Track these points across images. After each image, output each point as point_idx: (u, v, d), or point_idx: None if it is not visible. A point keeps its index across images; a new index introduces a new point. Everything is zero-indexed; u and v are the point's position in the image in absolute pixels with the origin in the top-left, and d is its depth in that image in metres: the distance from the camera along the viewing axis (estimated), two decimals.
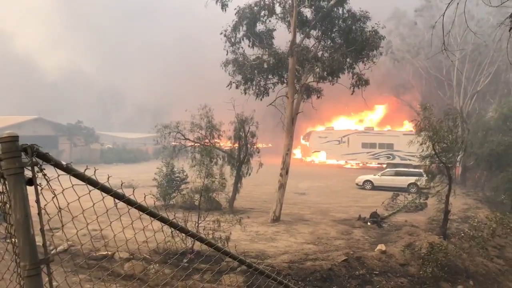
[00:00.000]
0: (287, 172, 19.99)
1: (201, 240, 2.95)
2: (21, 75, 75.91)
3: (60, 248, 11.40)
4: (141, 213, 2.47)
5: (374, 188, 32.81)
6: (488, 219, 15.18)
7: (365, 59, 19.33)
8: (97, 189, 2.25)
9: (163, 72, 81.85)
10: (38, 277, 1.91)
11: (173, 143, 22.95)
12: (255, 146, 22.64)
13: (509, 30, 4.53)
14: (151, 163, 39.26)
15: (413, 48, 47.06)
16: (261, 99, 20.07)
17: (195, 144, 22.23)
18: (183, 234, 3.53)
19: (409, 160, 45.49)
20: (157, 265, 10.80)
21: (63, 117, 59.76)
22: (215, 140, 22.39)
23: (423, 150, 17.26)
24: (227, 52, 20.26)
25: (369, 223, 19.15)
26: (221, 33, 20.08)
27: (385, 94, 54.64)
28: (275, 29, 20.79)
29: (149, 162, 53.29)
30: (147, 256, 11.18)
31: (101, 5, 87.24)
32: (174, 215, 2.91)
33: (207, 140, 21.84)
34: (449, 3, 4.99)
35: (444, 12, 4.85)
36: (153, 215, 2.47)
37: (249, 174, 22.43)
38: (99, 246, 9.87)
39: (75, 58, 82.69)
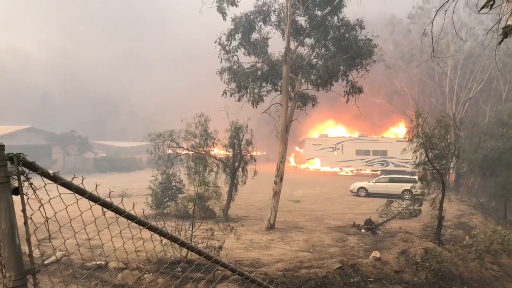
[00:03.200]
0: (281, 180, 19.97)
1: (192, 248, 2.93)
2: (12, 83, 75.50)
3: (52, 258, 11.30)
4: (129, 222, 2.45)
5: (369, 195, 32.85)
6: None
7: (359, 67, 19.45)
8: (85, 197, 2.23)
9: (156, 81, 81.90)
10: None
11: (168, 152, 22.91)
12: (249, 154, 22.61)
13: (499, 43, 4.56)
14: (145, 172, 39.15)
15: (405, 55, 47.46)
16: (256, 107, 20.10)
17: (189, 153, 22.20)
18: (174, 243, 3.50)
19: (403, 166, 45.69)
20: (150, 274, 10.72)
21: (56, 126, 59.59)
22: (210, 148, 22.37)
23: (416, 157, 17.34)
24: (221, 60, 20.31)
25: (363, 230, 19.14)
26: (215, 42, 20.13)
27: (378, 101, 54.93)
28: (269, 37, 20.88)
29: (143, 171, 53.14)
30: (140, 265, 11.10)
31: (96, 13, 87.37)
32: (164, 224, 2.89)
33: (201, 149, 21.81)
34: (437, 10, 5.03)
35: (433, 19, 4.89)
36: (141, 224, 2.46)
37: (244, 183, 22.39)
38: (92, 256, 9.80)
39: (68, 66, 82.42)
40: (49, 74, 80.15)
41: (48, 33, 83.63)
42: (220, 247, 11.38)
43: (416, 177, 25.26)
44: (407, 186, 29.52)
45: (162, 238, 2.74)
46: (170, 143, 22.52)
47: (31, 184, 2.00)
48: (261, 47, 20.50)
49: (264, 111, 20.39)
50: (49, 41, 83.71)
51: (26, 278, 1.91)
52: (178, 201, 21.72)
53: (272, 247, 15.86)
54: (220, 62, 20.37)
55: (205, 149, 21.94)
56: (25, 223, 1.97)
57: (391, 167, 50.21)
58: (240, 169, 22.30)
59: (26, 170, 2.00)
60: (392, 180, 33.12)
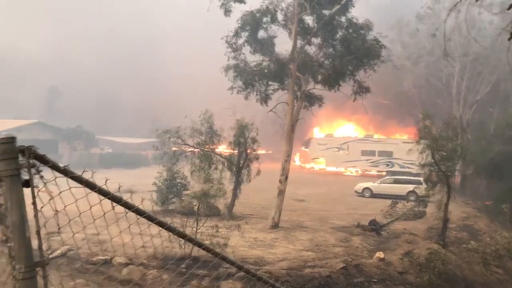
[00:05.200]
0: (286, 179, 19.97)
1: (199, 245, 2.93)
2: (19, 80, 75.85)
3: (57, 252, 11.34)
4: (138, 217, 2.45)
5: (373, 195, 32.75)
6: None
7: (366, 67, 19.41)
8: (95, 191, 2.23)
9: (162, 77, 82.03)
10: (33, 280, 1.89)
11: (173, 148, 22.93)
12: (255, 152, 22.60)
13: (508, 39, 4.53)
14: (151, 168, 39.20)
15: (412, 55, 47.21)
16: (266, 105, 20.18)
17: (195, 150, 22.23)
18: (181, 239, 3.50)
19: (409, 168, 45.47)
20: (155, 270, 10.75)
21: (63, 122, 59.82)
22: (215, 146, 22.38)
23: (422, 158, 17.28)
24: (228, 57, 20.31)
25: (368, 231, 19.10)
26: (221, 38, 20.15)
27: (384, 102, 54.68)
28: (276, 36, 20.85)
29: (148, 167, 53.18)
30: (145, 261, 11.13)
31: (99, 10, 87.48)
32: (172, 220, 2.89)
33: (207, 146, 21.81)
34: (450, 10, 5.01)
35: (445, 19, 4.86)
36: (150, 219, 2.46)
37: (249, 181, 22.39)
38: (97, 250, 9.83)
39: (75, 62, 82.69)
40: (55, 70, 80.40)
41: (51, 30, 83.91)
42: (226, 244, 11.39)
43: (421, 179, 25.17)
44: (412, 187, 29.41)
45: (170, 234, 2.74)
46: (176, 140, 22.55)
47: (41, 177, 2.00)
48: (268, 46, 20.48)
49: (270, 110, 20.40)
50: (52, 38, 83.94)
51: (36, 271, 1.91)
52: (183, 198, 21.74)
53: (276, 245, 15.86)
54: (228, 60, 20.38)
55: (210, 147, 21.95)
56: (35, 215, 1.97)
57: (396, 168, 50.03)
58: (245, 167, 22.29)
59: (37, 163, 2.00)
60: (397, 181, 33.03)
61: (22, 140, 2.00)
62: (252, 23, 19.76)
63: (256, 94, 20.42)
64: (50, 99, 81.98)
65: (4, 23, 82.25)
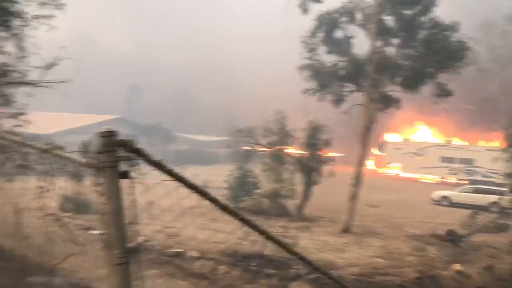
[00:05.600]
0: (359, 183, 19.55)
1: (279, 243, 2.96)
2: (105, 75, 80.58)
3: (135, 242, 11.94)
4: (223, 212, 2.52)
5: (452, 204, 31.15)
6: None
7: (450, 69, 18.52)
8: (185, 185, 2.32)
9: (238, 76, 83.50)
10: (127, 265, 2.02)
11: (246, 147, 23.27)
12: (327, 154, 22.36)
13: None
14: (223, 166, 40.05)
15: (500, 58, 44.31)
16: (338, 107, 19.91)
17: (267, 149, 22.40)
18: (256, 237, 3.55)
19: (492, 177, 42.65)
20: (226, 266, 10.97)
21: (143, 118, 62.85)
22: (286, 146, 22.41)
23: (508, 167, 16.21)
24: (304, 57, 20.27)
25: (444, 241, 18.21)
26: (297, 38, 20.18)
27: (467, 106, 51.75)
28: (353, 37, 20.49)
29: (221, 165, 54.37)
30: (217, 257, 11.39)
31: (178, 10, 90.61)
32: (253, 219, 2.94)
33: (280, 146, 21.86)
34: None
35: None
36: (234, 214, 2.52)
37: (319, 183, 22.18)
38: (173, 243, 10.22)
39: (157, 60, 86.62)
40: (137, 68, 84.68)
41: (137, 29, 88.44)
42: (296, 245, 11.39)
43: (505, 189, 23.53)
44: (495, 198, 27.60)
45: (252, 230, 2.80)
46: (248, 139, 22.86)
47: (138, 169, 2.13)
48: (344, 46, 20.19)
49: (345, 112, 20.10)
50: (136, 36, 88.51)
51: (130, 256, 2.03)
52: (253, 196, 22.00)
53: (346, 250, 15.57)
54: (302, 60, 20.34)
55: (282, 147, 22.02)
56: (131, 205, 2.10)
57: (478, 176, 47.13)
58: (316, 169, 22.10)
59: (134, 156, 2.13)
60: (478, 191, 31.21)
61: None
62: (329, 23, 19.59)
63: (332, 96, 20.19)
64: (131, 95, 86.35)
65: (99, 23, 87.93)
